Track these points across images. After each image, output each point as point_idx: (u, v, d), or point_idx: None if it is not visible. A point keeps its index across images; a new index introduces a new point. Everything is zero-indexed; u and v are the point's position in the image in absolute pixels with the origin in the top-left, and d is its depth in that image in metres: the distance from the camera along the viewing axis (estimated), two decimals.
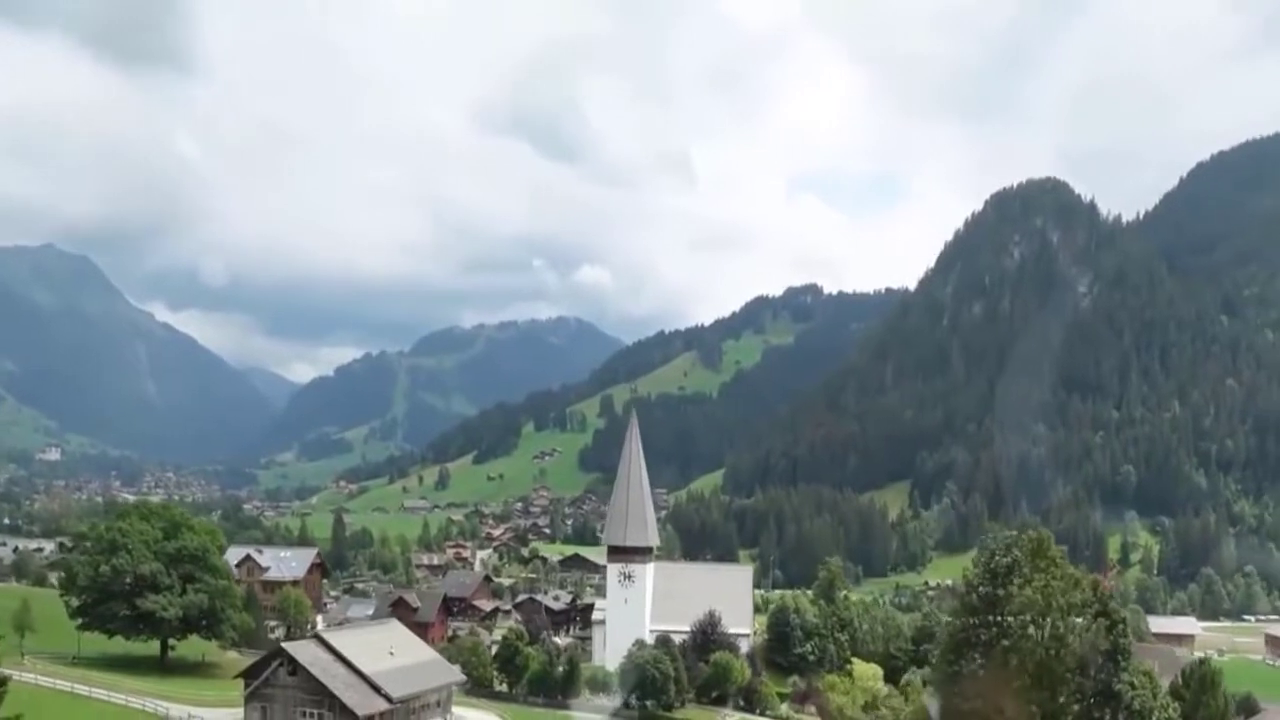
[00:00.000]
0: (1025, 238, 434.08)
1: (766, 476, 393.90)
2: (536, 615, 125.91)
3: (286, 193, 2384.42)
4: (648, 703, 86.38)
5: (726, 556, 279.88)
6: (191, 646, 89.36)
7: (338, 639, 66.87)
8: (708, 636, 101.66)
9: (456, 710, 73.09)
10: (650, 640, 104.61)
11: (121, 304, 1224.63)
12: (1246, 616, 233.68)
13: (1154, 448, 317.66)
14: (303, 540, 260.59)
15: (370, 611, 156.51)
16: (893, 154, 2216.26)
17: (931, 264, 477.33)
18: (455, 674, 75.00)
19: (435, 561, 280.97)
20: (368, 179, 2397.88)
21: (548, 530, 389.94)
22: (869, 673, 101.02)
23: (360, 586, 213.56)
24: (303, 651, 64.17)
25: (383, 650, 68.48)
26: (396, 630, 74.64)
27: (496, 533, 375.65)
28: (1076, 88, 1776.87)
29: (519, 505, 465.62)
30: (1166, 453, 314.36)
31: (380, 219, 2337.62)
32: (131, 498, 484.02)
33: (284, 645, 66.40)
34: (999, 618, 38.00)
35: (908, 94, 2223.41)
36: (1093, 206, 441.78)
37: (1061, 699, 37.89)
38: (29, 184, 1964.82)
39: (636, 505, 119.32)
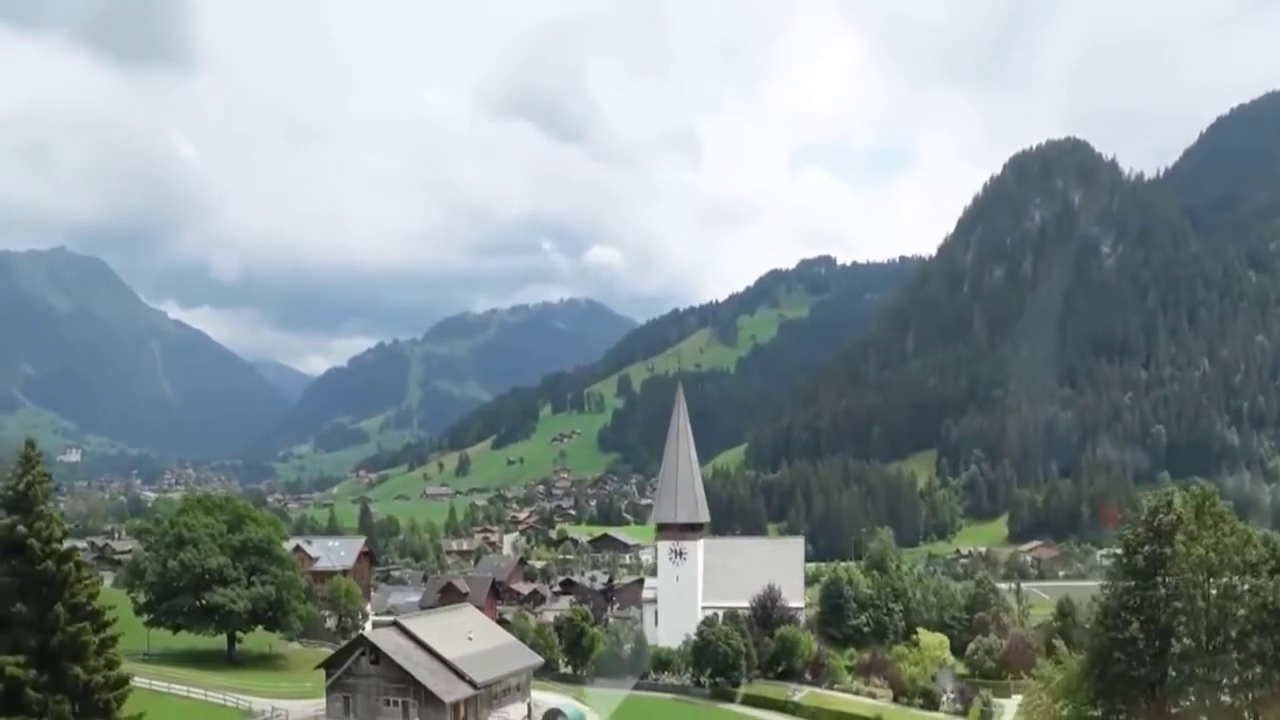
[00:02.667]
0: (1046, 199, 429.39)
1: (789, 450, 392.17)
2: (591, 596, 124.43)
3: (293, 184, 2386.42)
4: (718, 679, 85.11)
5: (755, 531, 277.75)
6: (255, 639, 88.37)
7: (417, 625, 65.59)
8: (768, 611, 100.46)
9: (534, 695, 71.85)
10: (701, 617, 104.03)
11: (134, 303, 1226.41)
12: None
13: (1184, 407, 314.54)
14: (332, 530, 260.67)
15: (414, 599, 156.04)
16: (899, 123, 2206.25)
17: (950, 230, 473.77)
18: (533, 658, 73.73)
19: (465, 547, 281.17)
20: (373, 166, 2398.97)
21: (572, 512, 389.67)
22: (935, 642, 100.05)
23: (396, 574, 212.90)
24: (384, 639, 62.96)
25: (461, 635, 67.30)
26: (472, 615, 73.39)
27: (522, 516, 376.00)
28: (1083, 49, 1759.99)
29: (541, 488, 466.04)
30: (1197, 411, 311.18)
31: (387, 206, 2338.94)
32: (153, 495, 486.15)
33: (365, 634, 65.31)
34: (1165, 578, 36.27)
35: (912, 62, 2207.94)
36: (1114, 165, 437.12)
37: (1238, 661, 36.12)
38: (39, 187, 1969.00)
39: (686, 481, 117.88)
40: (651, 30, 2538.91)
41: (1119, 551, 40.15)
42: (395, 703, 61.65)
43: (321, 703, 63.66)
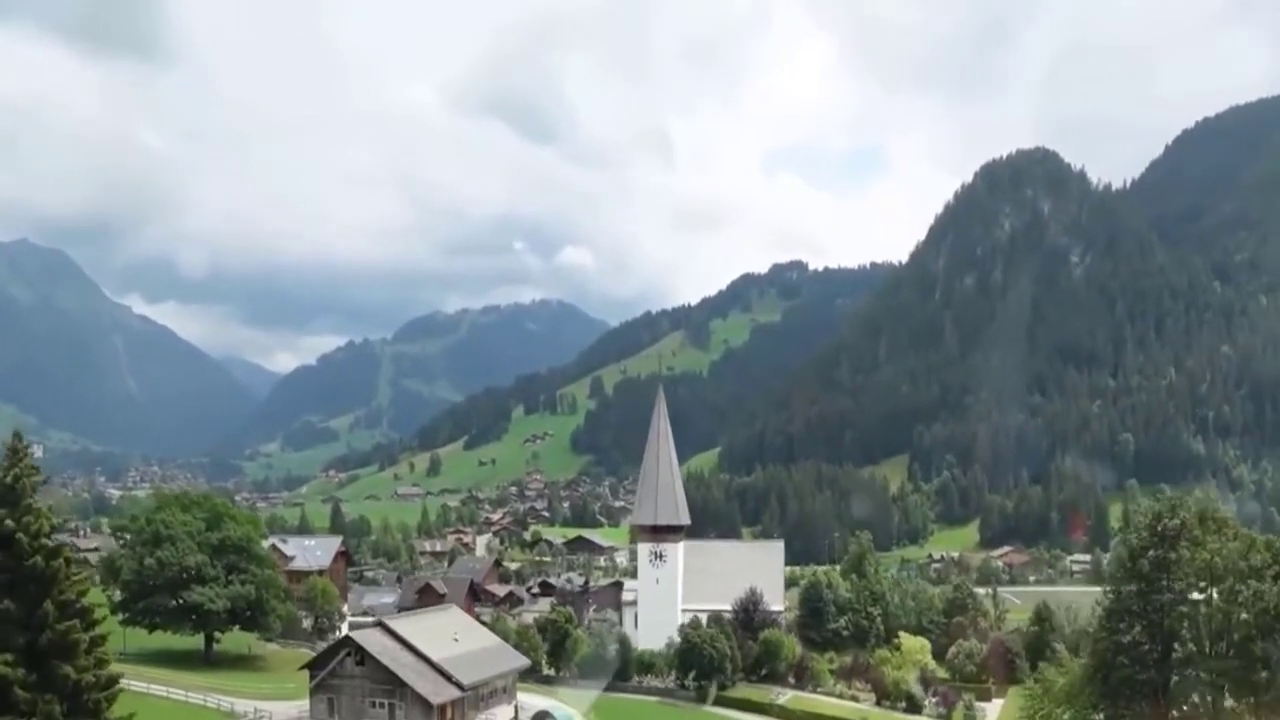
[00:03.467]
0: (1016, 208, 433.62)
1: (762, 454, 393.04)
2: (570, 598, 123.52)
3: (263, 179, 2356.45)
4: (703, 682, 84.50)
5: (729, 535, 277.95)
6: (233, 640, 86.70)
7: (403, 626, 64.52)
8: (749, 614, 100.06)
9: (520, 697, 70.93)
10: (681, 619, 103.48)
11: (98, 297, 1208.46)
12: None
13: (1152, 415, 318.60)
14: (303, 530, 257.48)
15: (388, 599, 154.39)
16: (872, 128, 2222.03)
17: (922, 237, 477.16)
18: (519, 659, 72.79)
19: (438, 548, 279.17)
20: (345, 162, 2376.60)
21: (546, 513, 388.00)
22: (917, 646, 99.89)
23: (369, 575, 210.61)
24: (370, 640, 61.84)
25: (447, 636, 66.28)
26: (457, 616, 72.43)
27: (495, 517, 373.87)
28: (1055, 58, 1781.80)
29: (513, 489, 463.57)
30: (1164, 420, 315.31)
31: (359, 203, 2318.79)
32: (118, 493, 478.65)
33: (351, 634, 64.18)
34: (1169, 583, 36.22)
35: (885, 67, 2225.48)
36: (1083, 176, 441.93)
37: (1241, 665, 36.09)
38: (2, 177, 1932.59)
39: (666, 484, 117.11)
40: (626, 32, 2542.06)
41: (1122, 555, 40.10)
42: (381, 704, 60.56)
43: (305, 704, 62.47)
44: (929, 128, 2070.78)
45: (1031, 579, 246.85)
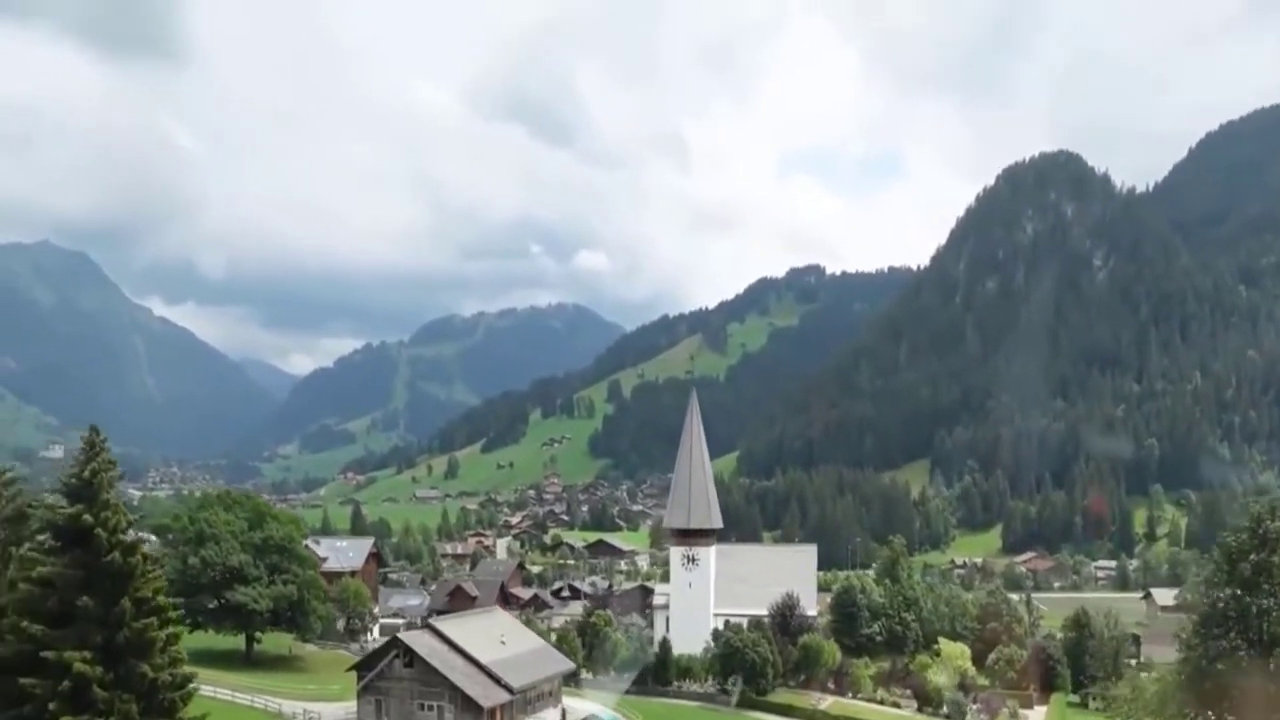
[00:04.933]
0: (1039, 212, 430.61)
1: (782, 458, 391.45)
2: (601, 602, 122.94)
3: (282, 182, 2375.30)
4: (745, 687, 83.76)
5: (749, 539, 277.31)
6: (273, 640, 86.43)
7: (450, 628, 64.05)
8: (786, 619, 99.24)
9: (565, 700, 70.38)
10: (713, 624, 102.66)
11: (119, 299, 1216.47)
12: None
13: (1176, 420, 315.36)
14: (325, 531, 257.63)
15: (416, 601, 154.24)
16: (886, 132, 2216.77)
17: (943, 240, 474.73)
18: (564, 662, 72.23)
19: (459, 551, 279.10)
20: (363, 165, 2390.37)
21: (565, 517, 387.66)
22: (957, 652, 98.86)
23: (393, 577, 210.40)
24: (419, 642, 61.45)
25: (494, 639, 65.83)
26: (503, 618, 72.04)
27: (514, 521, 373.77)
28: (1072, 62, 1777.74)
29: (531, 493, 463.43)
30: (1189, 425, 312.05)
31: (376, 206, 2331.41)
32: (138, 494, 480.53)
33: (400, 636, 63.73)
34: (1270, 587, 35.31)
35: (901, 72, 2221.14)
36: (1106, 179, 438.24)
37: None
38: (24, 180, 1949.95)
39: (700, 486, 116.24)
40: (642, 35, 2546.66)
41: (1219, 560, 39.15)
42: (430, 707, 60.16)
43: (352, 705, 62.14)
44: (944, 132, 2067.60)
45: (1056, 585, 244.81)
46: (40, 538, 34.78)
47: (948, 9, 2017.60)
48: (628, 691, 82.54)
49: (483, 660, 62.01)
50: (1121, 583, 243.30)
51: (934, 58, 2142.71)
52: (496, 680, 61.32)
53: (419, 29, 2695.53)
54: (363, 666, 62.38)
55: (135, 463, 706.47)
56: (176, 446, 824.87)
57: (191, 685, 34.88)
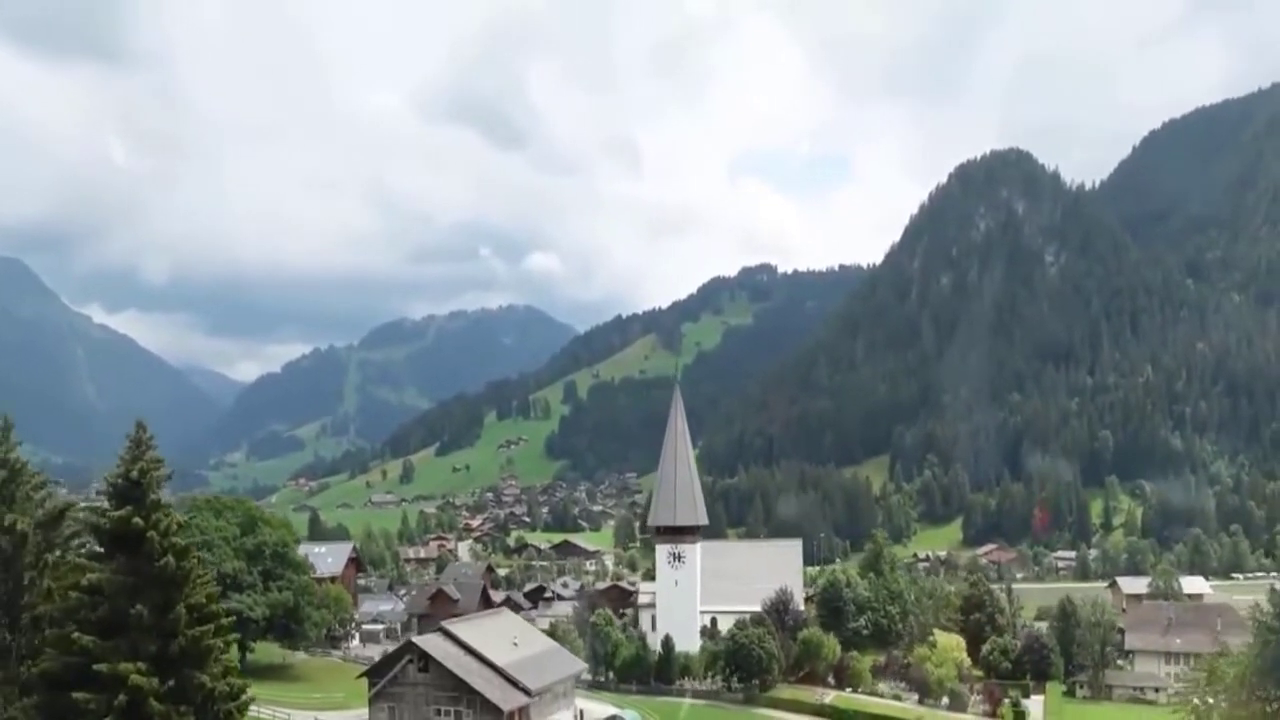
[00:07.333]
0: (991, 209, 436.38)
1: (743, 456, 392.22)
2: (600, 601, 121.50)
3: (229, 187, 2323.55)
4: (751, 684, 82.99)
5: (716, 537, 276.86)
6: (264, 649, 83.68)
7: (464, 631, 62.30)
8: (781, 615, 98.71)
9: (579, 702, 68.95)
10: (700, 621, 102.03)
11: (57, 307, 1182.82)
12: (1234, 575, 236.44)
13: (1129, 413, 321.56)
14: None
15: (389, 606, 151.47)
16: (837, 134, 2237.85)
17: (896, 238, 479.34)
18: (576, 663, 70.80)
19: (423, 555, 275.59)
20: (310, 169, 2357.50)
21: (526, 519, 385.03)
22: (953, 643, 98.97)
23: (361, 583, 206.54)
24: (434, 646, 59.66)
25: (507, 641, 64.28)
26: (513, 620, 70.41)
27: (474, 523, 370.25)
28: (1018, 66, 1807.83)
29: (490, 495, 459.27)
30: (1142, 417, 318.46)
31: (324, 210, 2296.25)
32: (84, 505, 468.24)
33: (414, 640, 61.80)
34: None
35: (850, 73, 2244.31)
36: (1056, 176, 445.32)
37: None
38: None
39: (685, 483, 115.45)
40: (593, 39, 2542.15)
41: None
42: (446, 712, 58.46)
43: (364, 713, 60.22)
44: (893, 133, 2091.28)
45: (1020, 575, 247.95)
46: (75, 542, 32.59)
47: (896, 10, 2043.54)
48: (631, 691, 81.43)
49: (499, 663, 60.45)
50: (1082, 572, 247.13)
51: (883, 59, 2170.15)
52: (514, 683, 59.83)
53: (369, 33, 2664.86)
54: (374, 673, 60.46)
55: (77, 473, 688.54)
56: (118, 456, 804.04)
57: (245, 696, 32.86)
